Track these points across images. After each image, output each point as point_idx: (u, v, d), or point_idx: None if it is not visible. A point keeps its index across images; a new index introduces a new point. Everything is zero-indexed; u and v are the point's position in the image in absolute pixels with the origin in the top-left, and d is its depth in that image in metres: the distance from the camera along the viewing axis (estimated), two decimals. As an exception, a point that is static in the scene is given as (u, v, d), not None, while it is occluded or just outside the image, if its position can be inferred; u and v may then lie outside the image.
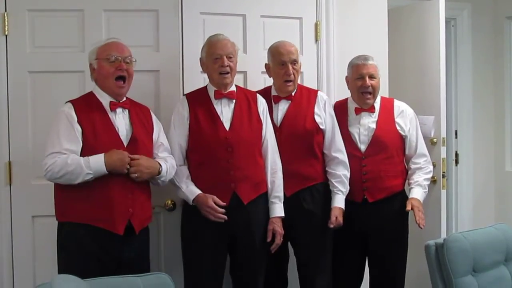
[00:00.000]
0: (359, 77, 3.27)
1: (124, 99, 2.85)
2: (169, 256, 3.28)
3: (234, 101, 3.04)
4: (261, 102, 3.13)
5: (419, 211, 3.15)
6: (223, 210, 2.89)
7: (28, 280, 3.15)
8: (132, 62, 2.83)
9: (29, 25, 3.13)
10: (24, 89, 3.13)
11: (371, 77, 3.25)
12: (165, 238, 3.29)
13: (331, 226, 3.13)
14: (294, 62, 3.17)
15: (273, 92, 3.25)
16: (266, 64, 3.27)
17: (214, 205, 2.89)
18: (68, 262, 2.68)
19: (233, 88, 3.07)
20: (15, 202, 3.14)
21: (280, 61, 3.16)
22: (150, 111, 2.99)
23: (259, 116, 3.08)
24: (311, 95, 3.26)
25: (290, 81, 3.16)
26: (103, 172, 2.63)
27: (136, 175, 2.71)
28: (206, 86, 3.09)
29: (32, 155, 3.08)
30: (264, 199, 3.06)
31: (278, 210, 3.06)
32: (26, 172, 3.12)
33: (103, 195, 2.67)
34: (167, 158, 2.92)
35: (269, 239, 3.03)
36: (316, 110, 3.21)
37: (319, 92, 3.31)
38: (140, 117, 2.88)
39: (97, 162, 2.62)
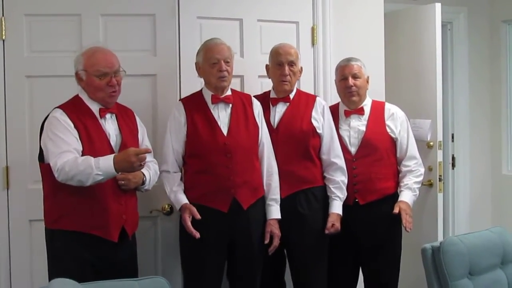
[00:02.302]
0: (342, 78, 3.29)
1: None
2: (166, 260, 3.28)
3: (230, 105, 3.03)
4: (256, 105, 3.12)
5: (407, 214, 3.14)
6: (193, 230, 2.85)
7: (25, 284, 3.15)
8: (121, 72, 2.79)
9: (26, 30, 3.13)
10: (21, 94, 3.13)
11: (355, 76, 3.26)
12: (162, 242, 3.30)
13: (327, 232, 3.13)
14: (292, 63, 3.17)
15: (272, 95, 3.25)
16: (266, 65, 3.28)
17: (188, 221, 2.87)
18: (62, 270, 2.61)
19: (228, 92, 3.06)
20: (13, 206, 3.14)
21: (277, 61, 3.18)
22: (134, 113, 2.96)
23: (255, 120, 3.08)
24: (309, 99, 3.27)
25: (286, 81, 3.17)
26: (113, 172, 2.55)
27: (123, 182, 2.71)
28: (201, 90, 3.08)
29: (29, 160, 3.07)
30: (261, 202, 3.07)
31: (275, 212, 3.07)
32: (23, 176, 3.12)
33: (96, 202, 2.65)
34: (150, 163, 2.90)
35: (266, 241, 3.03)
36: (313, 113, 3.21)
37: (317, 98, 3.32)
38: (126, 121, 2.87)
39: (107, 163, 2.53)
